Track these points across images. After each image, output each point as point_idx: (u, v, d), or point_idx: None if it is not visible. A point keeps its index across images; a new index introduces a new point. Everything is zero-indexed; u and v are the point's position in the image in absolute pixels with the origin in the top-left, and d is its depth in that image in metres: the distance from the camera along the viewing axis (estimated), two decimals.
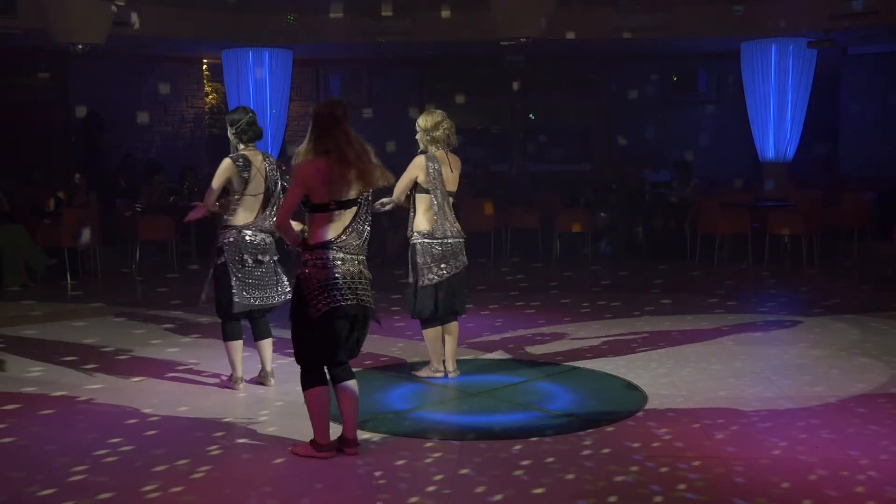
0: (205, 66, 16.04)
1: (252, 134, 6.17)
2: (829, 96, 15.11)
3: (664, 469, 4.74)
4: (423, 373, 6.61)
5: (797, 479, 4.59)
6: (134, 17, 11.99)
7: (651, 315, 8.91)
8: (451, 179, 6.32)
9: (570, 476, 4.67)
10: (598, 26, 13.31)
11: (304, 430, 5.41)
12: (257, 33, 13.69)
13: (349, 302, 4.77)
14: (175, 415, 5.78)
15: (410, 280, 6.37)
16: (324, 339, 4.81)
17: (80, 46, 11.83)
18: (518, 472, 4.73)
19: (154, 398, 6.12)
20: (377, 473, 4.73)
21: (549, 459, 4.90)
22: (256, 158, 6.10)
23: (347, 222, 4.83)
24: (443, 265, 6.27)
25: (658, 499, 4.37)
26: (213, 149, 15.90)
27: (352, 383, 4.97)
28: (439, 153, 6.29)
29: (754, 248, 12.08)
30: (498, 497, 4.42)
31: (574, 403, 6.05)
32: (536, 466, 4.80)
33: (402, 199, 6.29)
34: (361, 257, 4.88)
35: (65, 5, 11.57)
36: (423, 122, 6.33)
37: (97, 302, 9.87)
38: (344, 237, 4.80)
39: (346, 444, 4.98)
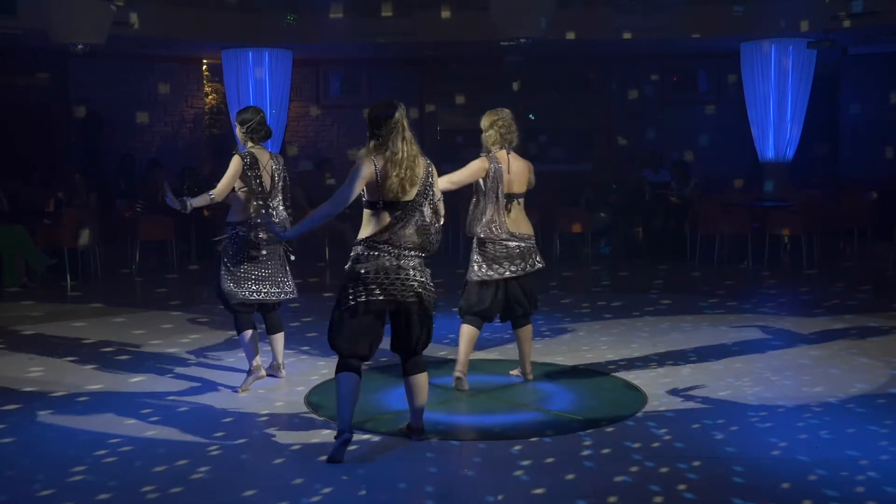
0: (205, 67, 16.04)
1: (263, 133, 6.37)
2: (828, 96, 15.11)
3: (664, 469, 4.74)
4: (458, 372, 6.32)
5: (797, 480, 4.59)
6: (133, 17, 11.99)
7: (651, 315, 8.92)
8: (508, 182, 6.18)
9: (570, 476, 4.67)
10: (598, 26, 13.31)
11: (303, 432, 5.42)
12: (257, 33, 13.68)
13: (374, 297, 4.84)
14: (174, 415, 5.78)
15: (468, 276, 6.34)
16: (350, 331, 4.88)
17: (80, 46, 11.81)
18: (518, 473, 4.73)
19: (153, 398, 6.13)
20: (377, 473, 4.73)
21: (549, 459, 4.91)
22: (263, 157, 6.29)
23: (394, 221, 4.86)
24: (495, 266, 6.17)
25: (658, 499, 4.37)
26: (212, 149, 15.92)
27: (420, 377, 5.09)
28: (500, 154, 6.21)
29: (754, 249, 12.08)
30: (498, 497, 4.42)
31: (574, 404, 6.06)
32: (536, 466, 4.81)
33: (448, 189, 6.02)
34: (405, 253, 4.89)
35: (65, 5, 11.56)
36: (482, 122, 6.31)
37: (97, 302, 9.87)
38: (387, 235, 4.85)
39: (412, 433, 5.20)
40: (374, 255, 4.86)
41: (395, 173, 4.80)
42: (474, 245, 6.29)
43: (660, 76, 15.88)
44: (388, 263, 4.86)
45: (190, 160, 14.69)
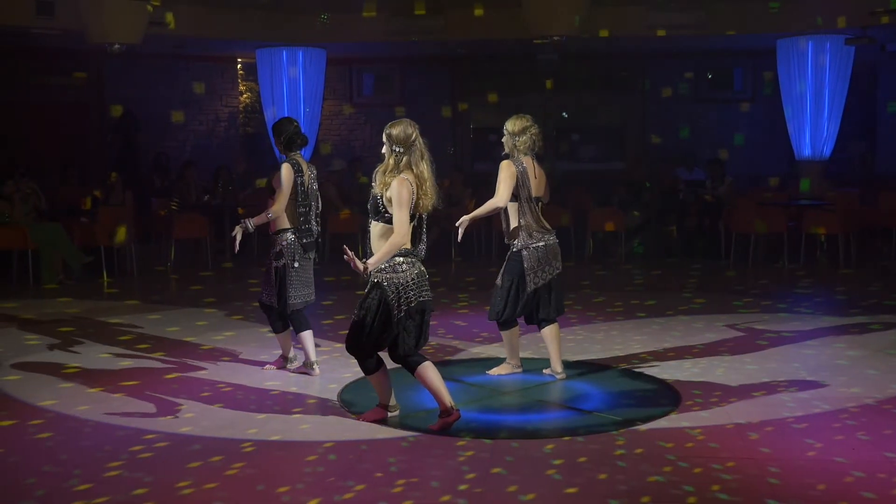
0: (239, 66, 16.16)
1: (301, 142, 6.55)
2: (866, 93, 14.92)
3: (697, 469, 4.71)
4: (502, 370, 6.69)
5: (833, 481, 4.54)
6: (169, 17, 12.11)
7: (685, 314, 8.86)
8: (535, 185, 6.34)
9: (603, 476, 4.65)
10: (632, 24, 13.24)
11: (336, 427, 5.45)
12: (291, 33, 13.76)
13: (425, 298, 5.28)
14: (209, 411, 5.83)
15: (499, 283, 6.44)
16: (415, 330, 5.27)
17: (116, 46, 11.96)
18: (550, 472, 4.72)
19: (188, 395, 6.18)
20: (410, 472, 4.74)
21: (582, 459, 4.89)
22: (303, 164, 6.50)
23: (418, 232, 5.28)
24: (546, 268, 6.36)
25: (691, 499, 4.34)
26: (247, 148, 16.03)
27: (431, 363, 5.42)
28: (525, 158, 6.33)
29: (790, 248, 11.96)
30: (530, 496, 4.41)
31: (607, 403, 6.03)
32: (569, 466, 4.79)
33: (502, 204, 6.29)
34: (420, 259, 5.32)
35: (101, 6, 11.71)
36: (510, 125, 6.38)
37: (132, 299, 9.98)
38: (418, 246, 5.29)
39: (449, 414, 5.38)
40: (410, 262, 5.24)
41: (425, 192, 5.18)
42: (525, 254, 6.32)
43: (694, 74, 15.77)
44: (419, 269, 5.27)
45: (224, 159, 14.81)
